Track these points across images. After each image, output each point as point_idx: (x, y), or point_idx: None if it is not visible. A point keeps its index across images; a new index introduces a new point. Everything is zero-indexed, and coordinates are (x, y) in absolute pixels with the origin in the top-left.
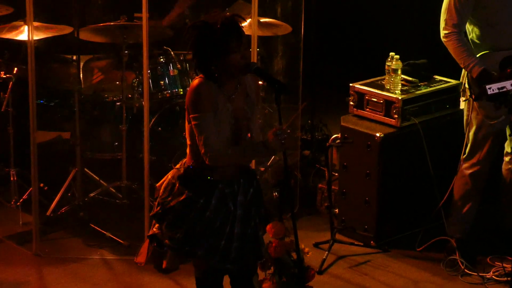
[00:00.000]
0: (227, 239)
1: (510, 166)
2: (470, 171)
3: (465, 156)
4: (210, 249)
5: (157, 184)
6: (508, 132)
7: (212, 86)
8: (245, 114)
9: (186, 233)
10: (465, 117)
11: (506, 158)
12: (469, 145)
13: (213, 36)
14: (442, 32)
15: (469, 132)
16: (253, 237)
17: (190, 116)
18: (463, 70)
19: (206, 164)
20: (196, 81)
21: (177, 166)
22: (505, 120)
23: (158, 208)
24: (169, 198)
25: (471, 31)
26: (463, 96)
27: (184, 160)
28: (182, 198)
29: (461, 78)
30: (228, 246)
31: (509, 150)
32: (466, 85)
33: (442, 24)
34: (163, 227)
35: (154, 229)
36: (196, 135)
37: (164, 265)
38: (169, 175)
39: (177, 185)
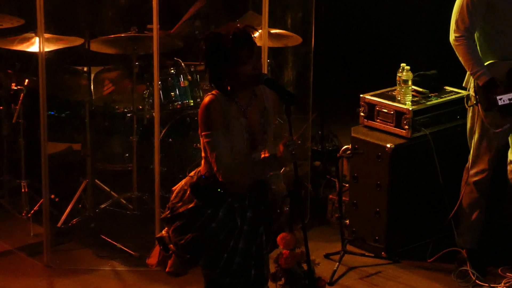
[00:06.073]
0: (230, 253)
1: None
2: (475, 178)
3: (469, 164)
4: (211, 261)
5: (173, 188)
6: (511, 140)
7: (223, 102)
8: (261, 127)
9: (190, 241)
10: (468, 124)
11: (510, 167)
12: (473, 153)
13: (225, 46)
14: (453, 35)
15: (473, 139)
16: (257, 255)
17: (202, 133)
18: (467, 75)
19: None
20: (207, 99)
21: (191, 173)
22: (509, 129)
23: (168, 212)
24: (179, 204)
25: (479, 38)
26: (468, 103)
27: (199, 168)
28: (191, 206)
29: (464, 83)
30: (230, 260)
31: None
32: (472, 92)
33: (453, 26)
34: (170, 231)
35: (163, 232)
36: (208, 152)
37: (167, 268)
38: (183, 181)
39: (188, 192)
